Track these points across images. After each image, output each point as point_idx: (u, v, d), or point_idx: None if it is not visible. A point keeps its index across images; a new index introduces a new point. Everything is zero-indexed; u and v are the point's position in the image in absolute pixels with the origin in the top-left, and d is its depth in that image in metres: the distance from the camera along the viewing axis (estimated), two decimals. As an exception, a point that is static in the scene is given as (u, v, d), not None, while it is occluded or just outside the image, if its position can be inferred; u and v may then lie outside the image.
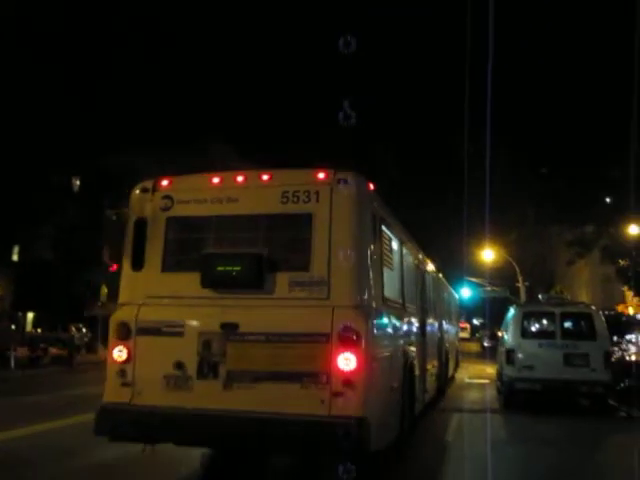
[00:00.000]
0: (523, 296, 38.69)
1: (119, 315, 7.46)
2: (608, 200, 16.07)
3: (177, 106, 38.39)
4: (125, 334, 7.24)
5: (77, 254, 40.40)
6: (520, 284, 40.45)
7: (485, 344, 55.12)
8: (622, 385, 15.74)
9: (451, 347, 20.19)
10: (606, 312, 20.99)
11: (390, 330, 8.31)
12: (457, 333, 26.74)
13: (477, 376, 25.10)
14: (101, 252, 39.58)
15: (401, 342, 9.11)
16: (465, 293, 43.42)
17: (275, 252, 7.05)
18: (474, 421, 13.61)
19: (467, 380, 23.74)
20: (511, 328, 15.81)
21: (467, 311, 48.83)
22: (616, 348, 23.92)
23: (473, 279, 46.78)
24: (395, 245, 9.39)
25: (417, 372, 10.40)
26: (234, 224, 7.44)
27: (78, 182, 44.94)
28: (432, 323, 14.21)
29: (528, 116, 15.83)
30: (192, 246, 7.51)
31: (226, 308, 7.03)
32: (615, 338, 22.99)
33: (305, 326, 6.78)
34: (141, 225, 7.68)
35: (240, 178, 7.62)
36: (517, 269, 40.73)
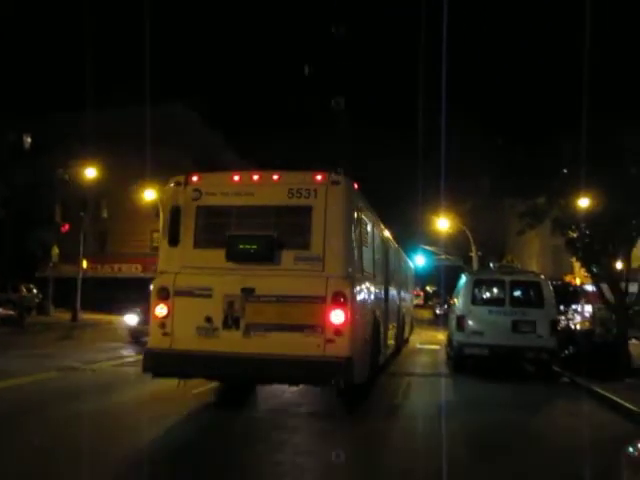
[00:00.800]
0: (476, 265, 39.37)
1: (160, 281, 9.41)
2: (561, 172, 16.31)
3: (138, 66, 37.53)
4: (165, 295, 9.20)
5: (28, 213, 39.53)
6: (473, 253, 41.15)
7: (437, 311, 56.15)
8: (567, 352, 16.26)
9: (407, 312, 22.27)
10: (554, 282, 21.56)
11: (366, 295, 10.52)
12: (412, 300, 28.92)
13: (428, 342, 25.61)
14: (53, 212, 38.81)
15: (372, 305, 11.30)
16: (419, 261, 43.68)
17: (283, 234, 9.13)
18: (425, 384, 13.98)
19: (419, 346, 24.19)
20: (462, 295, 16.16)
21: (421, 279, 49.55)
22: (562, 317, 24.73)
23: (428, 247, 47.37)
24: (369, 229, 11.59)
25: (382, 330, 12.66)
26: (251, 212, 9.49)
27: (29, 140, 43.68)
28: (393, 291, 16.12)
29: (485, 86, 15.97)
30: (218, 228, 9.50)
31: (245, 276, 9.06)
32: (562, 307, 23.74)
33: (306, 290, 8.90)
34: (176, 211, 9.54)
35: (255, 177, 9.76)
36: (471, 238, 41.40)
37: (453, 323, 16.52)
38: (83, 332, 26.99)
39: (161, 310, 9.17)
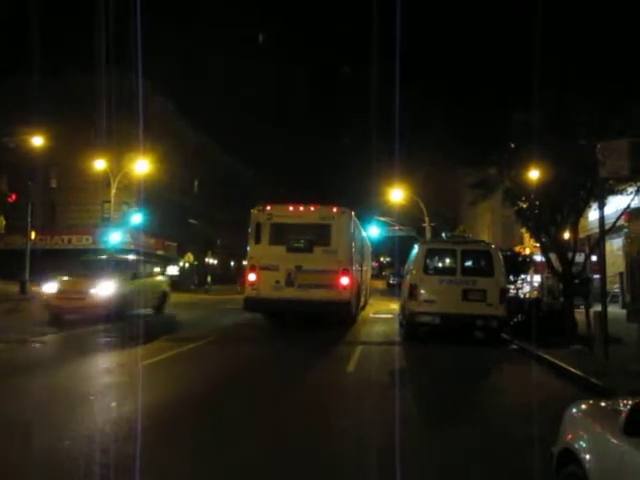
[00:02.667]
0: (429, 236, 39.81)
1: (251, 262, 17.78)
2: (511, 144, 16.49)
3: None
4: (254, 269, 17.55)
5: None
6: (426, 224, 41.57)
7: (391, 281, 56.85)
8: (516, 320, 16.64)
9: (368, 281, 30.39)
10: (504, 252, 21.89)
11: (355, 270, 19.04)
12: (370, 272, 35.84)
13: (382, 311, 25.89)
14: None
15: (357, 276, 19.86)
16: (374, 232, 43.91)
17: (316, 238, 17.54)
18: (377, 352, 14.09)
19: (372, 315, 24.42)
20: (414, 264, 16.32)
21: (375, 249, 50.05)
22: (512, 286, 25.20)
23: (382, 218, 47.65)
24: (356, 233, 20.05)
25: (360, 289, 21.47)
26: (299, 226, 17.77)
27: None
28: (363, 267, 24.25)
29: (439, 56, 15.98)
30: (281, 235, 17.66)
31: (297, 259, 17.31)
32: (511, 276, 24.15)
33: (328, 267, 17.29)
34: (259, 225, 17.81)
35: (302, 208, 18.10)
36: (424, 209, 41.79)
37: (405, 292, 16.70)
38: (32, 305, 26.41)
39: (252, 277, 17.66)
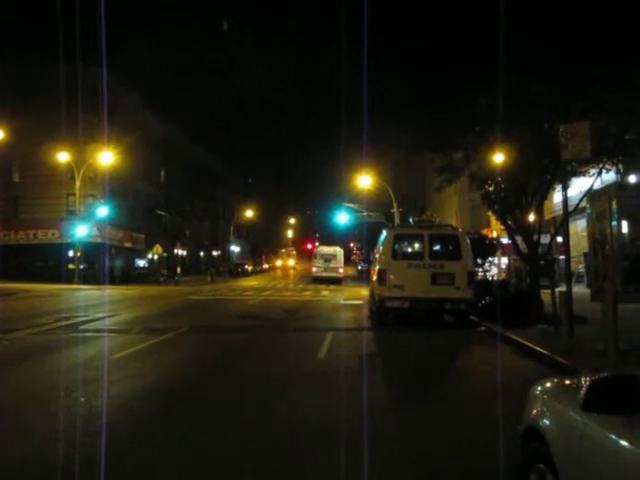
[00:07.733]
0: (397, 221, 40.08)
1: (313, 264, 55.89)
2: (476, 128, 16.60)
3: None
4: (314, 266, 55.00)
5: None
6: (395, 210, 41.81)
7: (359, 267, 59.64)
8: (483, 302, 16.86)
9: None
10: (472, 235, 22.14)
11: (344, 266, 58.23)
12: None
13: (352, 297, 26.00)
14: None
15: (344, 268, 58.33)
16: (342, 219, 47.85)
17: (332, 256, 54.43)
18: (347, 338, 14.14)
19: (342, 302, 24.49)
20: (383, 250, 16.43)
21: (344, 235, 53.63)
22: (479, 268, 25.53)
23: (350, 205, 48.00)
24: (343, 254, 59.04)
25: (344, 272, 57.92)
26: (327, 253, 55.10)
27: None
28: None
29: (404, 41, 16.01)
30: (322, 256, 54.71)
31: (327, 263, 53.66)
32: (479, 260, 24.47)
33: (336, 266, 53.75)
34: (315, 254, 56.93)
35: (330, 248, 58.05)
36: (392, 195, 42.02)
37: (375, 278, 16.80)
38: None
39: (314, 269, 54.29)
